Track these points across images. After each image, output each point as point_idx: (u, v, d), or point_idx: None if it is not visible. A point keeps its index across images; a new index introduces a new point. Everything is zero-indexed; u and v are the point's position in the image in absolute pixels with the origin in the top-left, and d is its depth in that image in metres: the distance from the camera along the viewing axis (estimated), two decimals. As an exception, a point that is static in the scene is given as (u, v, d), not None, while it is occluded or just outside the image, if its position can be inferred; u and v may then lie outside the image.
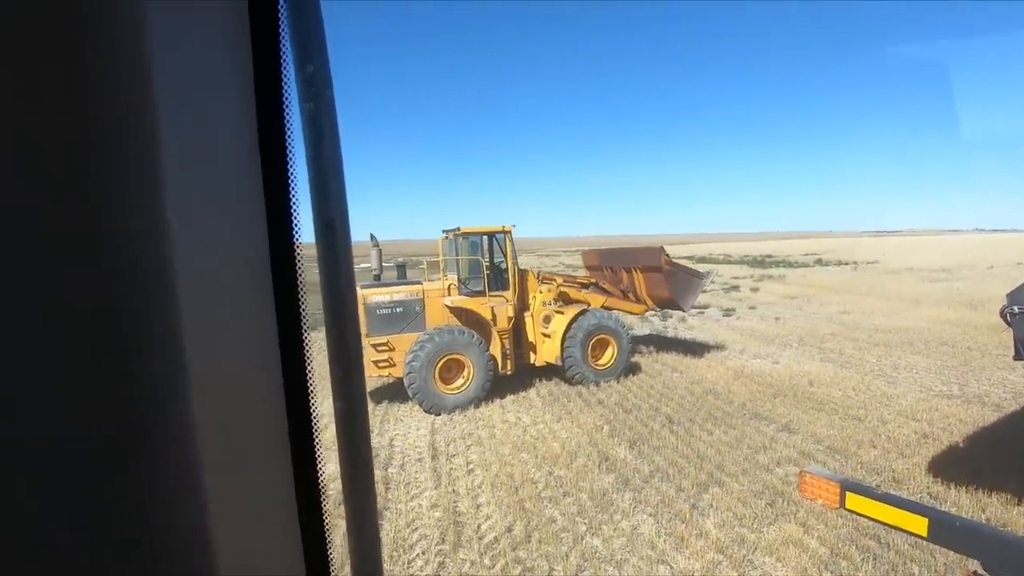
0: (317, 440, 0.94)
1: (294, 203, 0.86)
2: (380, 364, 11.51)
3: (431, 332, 11.33)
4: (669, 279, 14.05)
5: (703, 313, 23.08)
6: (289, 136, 0.85)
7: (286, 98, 0.85)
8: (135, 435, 0.46)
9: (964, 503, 6.64)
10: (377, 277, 12.69)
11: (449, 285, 12.42)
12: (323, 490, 0.95)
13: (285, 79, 0.84)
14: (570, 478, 7.72)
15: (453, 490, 7.61)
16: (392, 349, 11.52)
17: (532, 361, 12.85)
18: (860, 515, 3.77)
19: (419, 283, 12.52)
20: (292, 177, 0.86)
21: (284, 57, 0.83)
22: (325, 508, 0.95)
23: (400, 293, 11.98)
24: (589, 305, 13.57)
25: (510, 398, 11.76)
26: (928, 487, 7.14)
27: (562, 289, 13.71)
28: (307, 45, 0.81)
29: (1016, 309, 4.83)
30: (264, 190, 0.85)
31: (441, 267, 12.70)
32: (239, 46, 0.80)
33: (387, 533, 6.51)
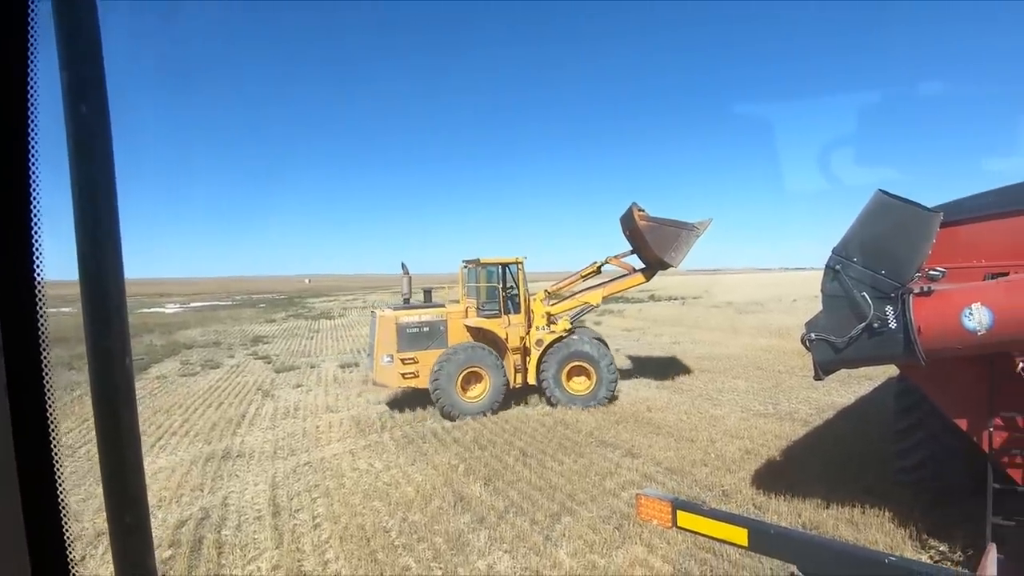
0: (57, 472, 0.93)
1: (35, 229, 0.75)
2: (407, 376, 13.19)
3: (454, 348, 13.04)
4: (649, 235, 13.43)
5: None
6: (33, 151, 0.73)
7: (32, 104, 0.72)
8: None
9: (783, 510, 7.36)
10: (407, 301, 14.80)
11: (467, 308, 13.92)
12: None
13: (32, 82, 0.72)
14: (425, 522, 7.46)
15: (298, 548, 7.01)
16: (417, 362, 13.14)
17: (529, 380, 13.83)
18: (690, 531, 4.01)
19: (443, 306, 14.32)
20: (35, 198, 0.74)
21: (32, 57, 0.71)
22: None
23: (426, 315, 13.71)
24: (589, 306, 14.57)
25: (362, 443, 11.23)
26: (752, 498, 7.82)
27: (555, 305, 14.20)
28: (76, 44, 0.69)
29: (813, 336, 5.47)
30: None
31: (460, 292, 14.40)
32: None
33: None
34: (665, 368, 18.04)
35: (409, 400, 14.72)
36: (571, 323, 14.40)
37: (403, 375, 13.16)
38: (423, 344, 13.39)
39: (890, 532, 6.58)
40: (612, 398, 13.56)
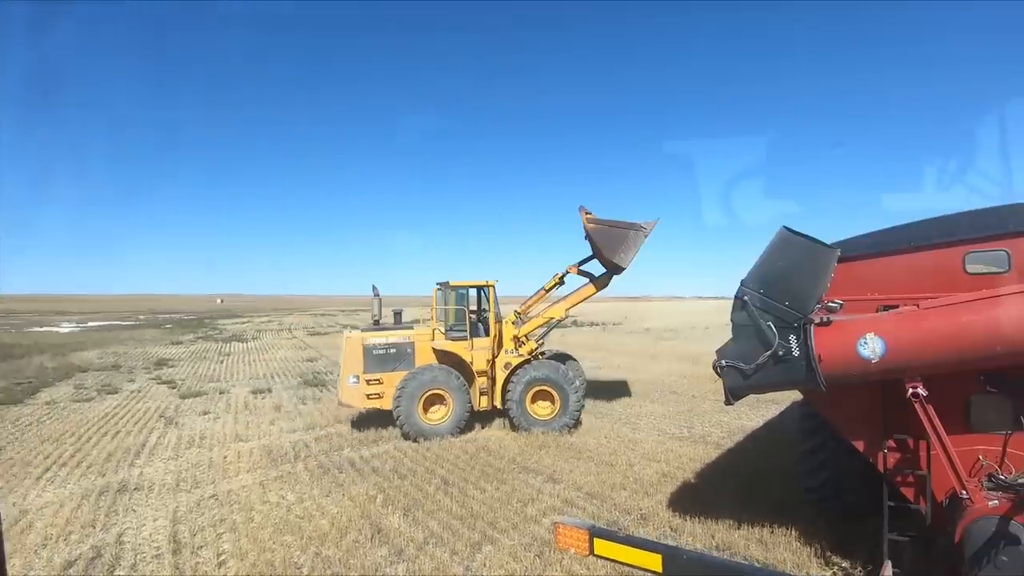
0: None
1: None
2: (371, 397, 13.39)
3: (418, 370, 13.08)
4: (597, 237, 13.15)
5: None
6: None
7: None
8: None
9: (698, 532, 7.55)
10: (376, 322, 14.86)
11: (434, 330, 13.82)
12: None
13: None
14: (340, 557, 7.14)
15: (199, 589, 6.54)
16: (382, 383, 13.29)
17: (496, 403, 13.77)
18: (607, 559, 4.05)
19: (411, 327, 14.60)
20: None
21: None
22: None
23: (394, 336, 13.89)
24: (555, 320, 14.34)
25: (273, 474, 10.68)
26: (669, 521, 7.99)
27: (523, 327, 14.06)
28: None
29: (724, 363, 5.73)
30: None
31: (432, 315, 14.19)
32: None
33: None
34: (586, 392, 18.30)
35: (325, 428, 14.22)
36: (538, 343, 14.38)
37: (368, 396, 13.35)
38: (390, 366, 13.54)
39: (797, 550, 6.88)
40: (576, 423, 13.45)
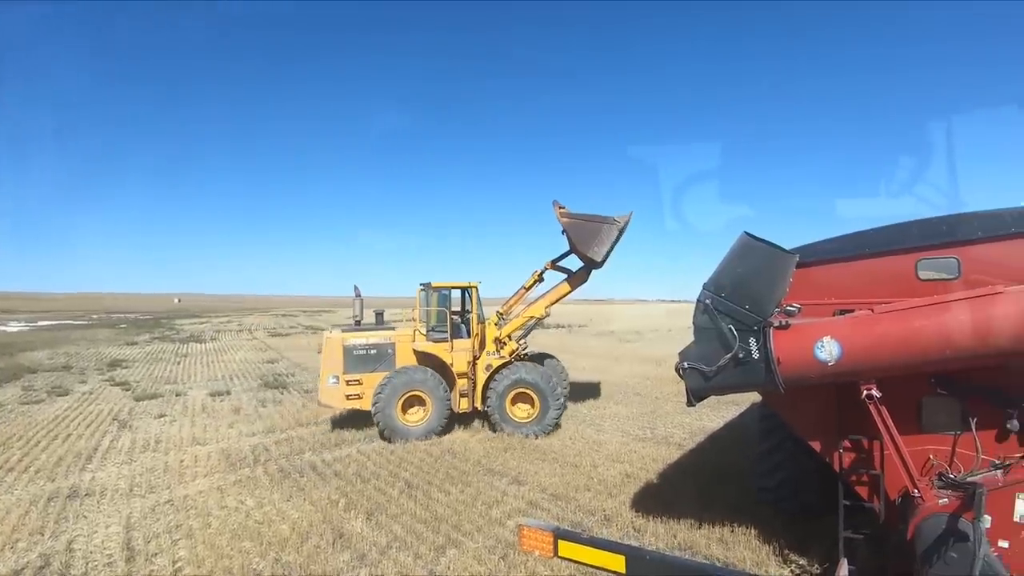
0: None
1: None
2: (351, 397, 13.43)
3: (397, 371, 13.06)
4: (571, 231, 13.07)
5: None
6: None
7: None
8: None
9: (660, 532, 7.66)
10: (357, 322, 14.82)
11: (415, 331, 13.82)
12: None
13: None
14: (300, 562, 7.01)
15: (152, 598, 6.34)
16: (362, 384, 13.33)
17: (477, 405, 13.72)
18: (571, 561, 4.08)
19: (392, 328, 14.43)
20: None
21: None
22: None
23: (374, 337, 13.85)
24: (535, 319, 14.21)
25: (232, 479, 10.43)
26: (632, 521, 8.08)
27: (505, 327, 13.95)
28: None
29: (686, 365, 5.83)
30: None
31: (416, 316, 14.10)
32: None
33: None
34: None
35: (286, 431, 13.97)
36: (519, 344, 14.31)
37: (347, 396, 13.42)
38: (370, 366, 13.54)
39: (756, 549, 7.03)
40: (556, 427, 13.40)
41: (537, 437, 12.85)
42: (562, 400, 13.59)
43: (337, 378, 13.42)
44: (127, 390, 20.56)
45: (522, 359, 14.46)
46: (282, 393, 19.61)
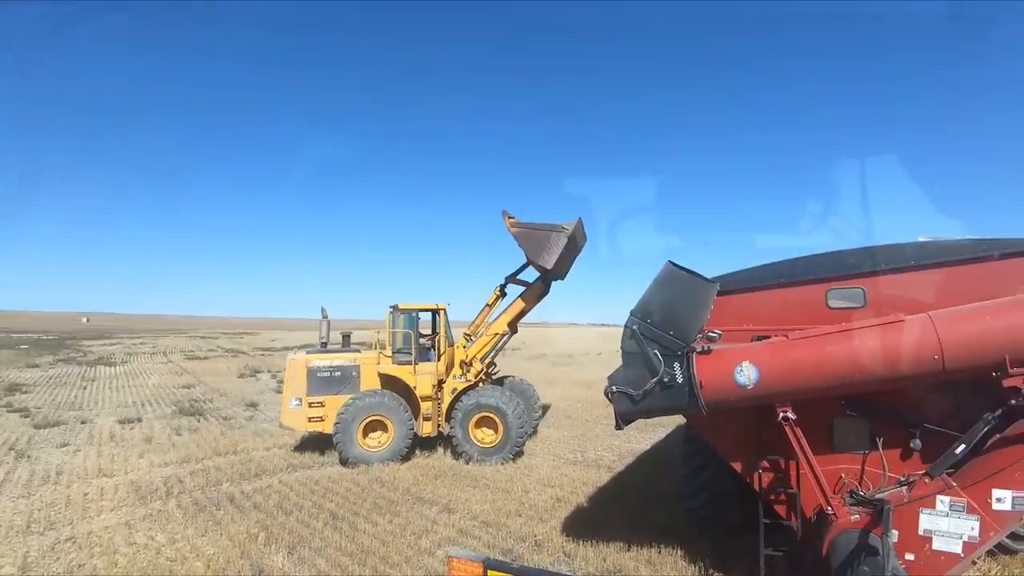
0: None
1: None
2: (313, 420, 13.31)
3: (359, 395, 12.88)
4: (521, 240, 12.88)
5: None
6: None
7: None
8: None
9: (590, 556, 7.68)
10: (324, 345, 14.49)
11: (380, 354, 13.66)
12: None
13: None
14: (214, 601, 6.61)
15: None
16: (324, 406, 13.21)
17: (443, 429, 13.54)
18: None
19: (358, 351, 14.15)
20: None
21: None
22: None
23: (338, 359, 13.69)
24: (500, 336, 13.98)
25: (141, 513, 9.76)
26: (563, 546, 8.08)
27: (470, 348, 13.75)
28: None
29: (614, 389, 5.96)
30: None
31: (387, 338, 13.86)
32: None
33: None
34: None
35: (202, 460, 13.24)
36: (485, 365, 14.06)
37: (309, 419, 13.30)
38: (334, 389, 13.41)
39: (682, 569, 7.16)
40: (519, 453, 13.14)
41: (504, 463, 12.66)
42: (526, 426, 13.36)
43: (300, 400, 13.28)
44: (26, 417, 18.95)
45: (491, 382, 14.34)
46: (199, 420, 18.60)
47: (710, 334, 6.02)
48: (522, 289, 14.12)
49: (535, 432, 15.50)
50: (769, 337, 5.81)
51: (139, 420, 18.60)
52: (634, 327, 5.83)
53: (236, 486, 11.27)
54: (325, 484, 11.27)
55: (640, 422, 7.48)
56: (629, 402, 5.84)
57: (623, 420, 6.06)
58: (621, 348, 5.91)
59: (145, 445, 14.87)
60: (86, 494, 10.83)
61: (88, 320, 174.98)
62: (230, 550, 8.08)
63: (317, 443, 14.50)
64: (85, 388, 27.19)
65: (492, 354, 14.61)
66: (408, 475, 11.80)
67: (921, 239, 6.10)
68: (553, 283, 13.96)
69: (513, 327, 14.29)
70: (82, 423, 18.13)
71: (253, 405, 21.63)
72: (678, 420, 12.76)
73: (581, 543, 8.05)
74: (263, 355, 49.32)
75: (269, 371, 34.38)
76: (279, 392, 25.08)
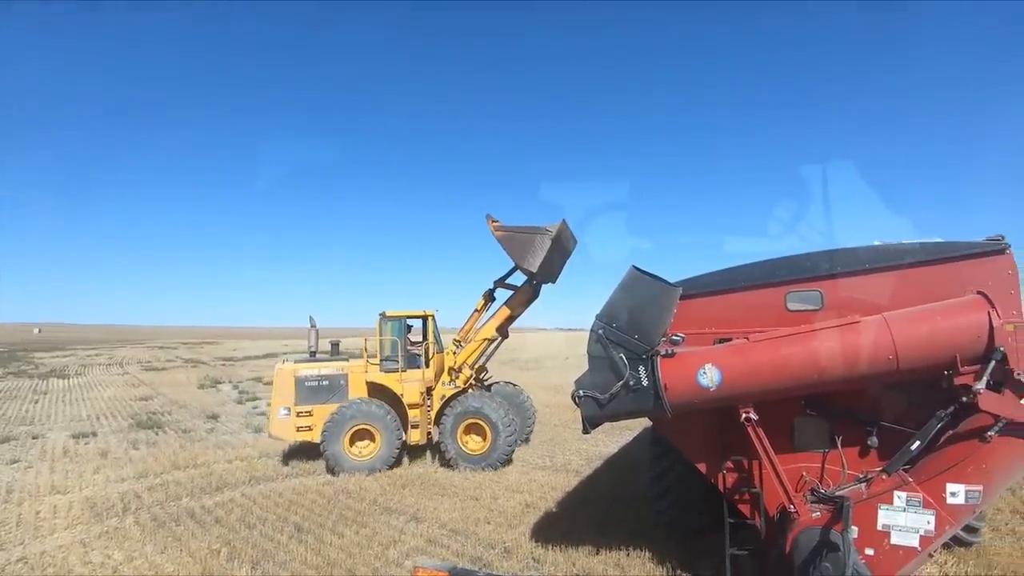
0: None
1: None
2: (301, 429, 13.20)
3: (347, 404, 12.78)
4: (506, 244, 12.79)
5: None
6: None
7: None
8: None
9: (559, 561, 7.68)
10: (313, 354, 14.50)
11: (368, 362, 13.66)
12: None
13: None
14: (174, 620, 6.41)
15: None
16: (312, 416, 13.10)
17: (431, 436, 13.57)
18: None
19: (346, 359, 14.17)
20: None
21: None
22: None
23: (327, 368, 13.64)
24: (489, 342, 13.94)
25: (97, 530, 9.41)
26: (532, 552, 8.06)
27: (459, 355, 13.66)
28: None
29: (581, 392, 6.00)
30: None
31: (377, 346, 13.78)
32: None
33: None
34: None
35: (161, 475, 12.85)
36: (474, 370, 13.95)
37: (298, 428, 13.20)
38: (322, 398, 13.34)
39: (651, 570, 7.22)
40: (508, 461, 12.98)
41: (495, 470, 12.55)
42: (515, 433, 13.21)
43: (288, 410, 13.18)
44: (-29, 435, 18.14)
45: (480, 387, 14.25)
46: (157, 434, 18.05)
47: (674, 337, 6.10)
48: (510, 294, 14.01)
49: (527, 440, 15.36)
50: (731, 340, 5.92)
51: (94, 434, 17.95)
52: (600, 331, 5.88)
53: (196, 501, 10.95)
54: (289, 496, 11.04)
55: (607, 425, 7.52)
56: (596, 405, 5.88)
57: (590, 424, 6.11)
58: (587, 352, 5.95)
59: (100, 460, 14.36)
60: (38, 512, 10.41)
61: (40, 331, 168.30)
62: (191, 567, 7.84)
63: (281, 454, 14.23)
64: (36, 402, 26.14)
65: (482, 360, 14.56)
66: (375, 485, 11.63)
67: (876, 243, 6.29)
68: (545, 287, 13.88)
69: (503, 332, 14.19)
70: (33, 438, 17.42)
71: (214, 417, 21.08)
72: (645, 423, 12.87)
73: (550, 548, 8.05)
74: (224, 365, 48.22)
75: (230, 381, 33.62)
76: (240, 403, 24.70)
